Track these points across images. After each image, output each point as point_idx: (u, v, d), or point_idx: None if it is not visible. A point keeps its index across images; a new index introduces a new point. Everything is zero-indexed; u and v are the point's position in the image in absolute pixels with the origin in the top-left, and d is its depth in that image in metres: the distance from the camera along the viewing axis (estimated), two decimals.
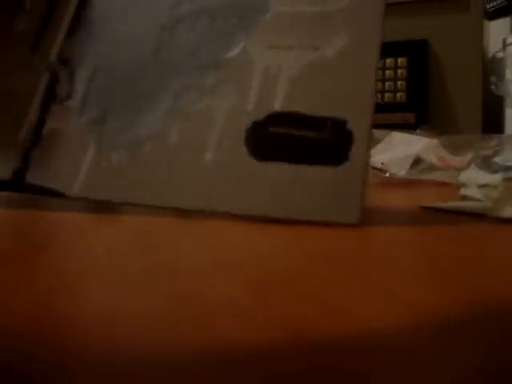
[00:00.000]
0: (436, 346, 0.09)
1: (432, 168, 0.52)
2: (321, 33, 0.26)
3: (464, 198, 0.32)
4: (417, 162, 0.53)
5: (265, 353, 0.09)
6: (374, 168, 0.52)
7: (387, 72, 1.20)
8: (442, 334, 0.10)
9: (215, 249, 0.19)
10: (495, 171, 0.30)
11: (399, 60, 1.20)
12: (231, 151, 0.26)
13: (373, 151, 0.54)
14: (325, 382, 0.08)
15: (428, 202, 0.31)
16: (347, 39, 0.26)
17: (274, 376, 0.08)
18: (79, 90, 0.30)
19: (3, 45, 0.32)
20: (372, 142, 0.52)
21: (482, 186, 0.30)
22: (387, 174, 0.53)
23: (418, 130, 0.62)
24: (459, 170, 0.40)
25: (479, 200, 0.30)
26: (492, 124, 0.99)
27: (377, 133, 0.57)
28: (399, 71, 1.20)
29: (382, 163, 0.53)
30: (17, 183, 0.29)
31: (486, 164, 0.32)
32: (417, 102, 1.19)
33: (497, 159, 0.32)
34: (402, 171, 0.52)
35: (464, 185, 0.32)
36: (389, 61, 1.20)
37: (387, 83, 1.20)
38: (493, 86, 0.81)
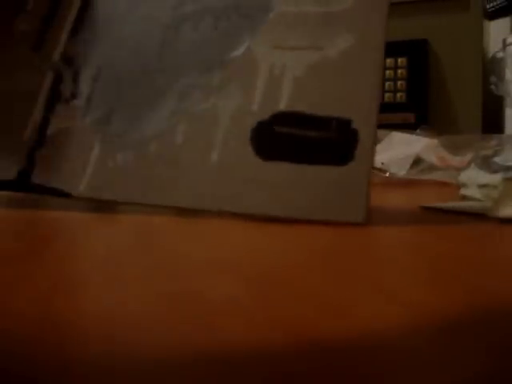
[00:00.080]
0: (436, 347, 0.09)
1: (432, 168, 0.52)
2: (325, 33, 0.26)
3: (464, 198, 0.32)
4: (417, 162, 0.53)
5: (265, 353, 0.09)
6: (374, 168, 0.52)
7: (387, 72, 1.20)
8: (442, 334, 0.10)
9: (215, 248, 0.19)
10: (495, 171, 0.30)
11: (399, 60, 1.20)
12: (237, 151, 0.26)
13: None
14: (325, 382, 0.08)
15: (428, 202, 0.31)
16: (351, 39, 0.26)
17: (273, 376, 0.08)
18: (84, 89, 0.30)
19: (5, 45, 0.32)
20: None
21: (482, 186, 0.30)
22: (387, 174, 0.53)
23: (417, 130, 0.62)
24: (459, 169, 0.40)
25: (479, 200, 0.30)
26: (492, 124, 0.99)
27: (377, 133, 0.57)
28: (399, 71, 1.20)
29: (382, 163, 0.53)
30: (22, 183, 0.29)
31: (486, 164, 0.32)
32: (417, 102, 1.19)
33: (497, 159, 0.32)
34: (401, 171, 0.52)
35: (464, 185, 0.32)
36: (389, 61, 1.20)
37: (387, 83, 1.20)
38: (493, 86, 0.81)
